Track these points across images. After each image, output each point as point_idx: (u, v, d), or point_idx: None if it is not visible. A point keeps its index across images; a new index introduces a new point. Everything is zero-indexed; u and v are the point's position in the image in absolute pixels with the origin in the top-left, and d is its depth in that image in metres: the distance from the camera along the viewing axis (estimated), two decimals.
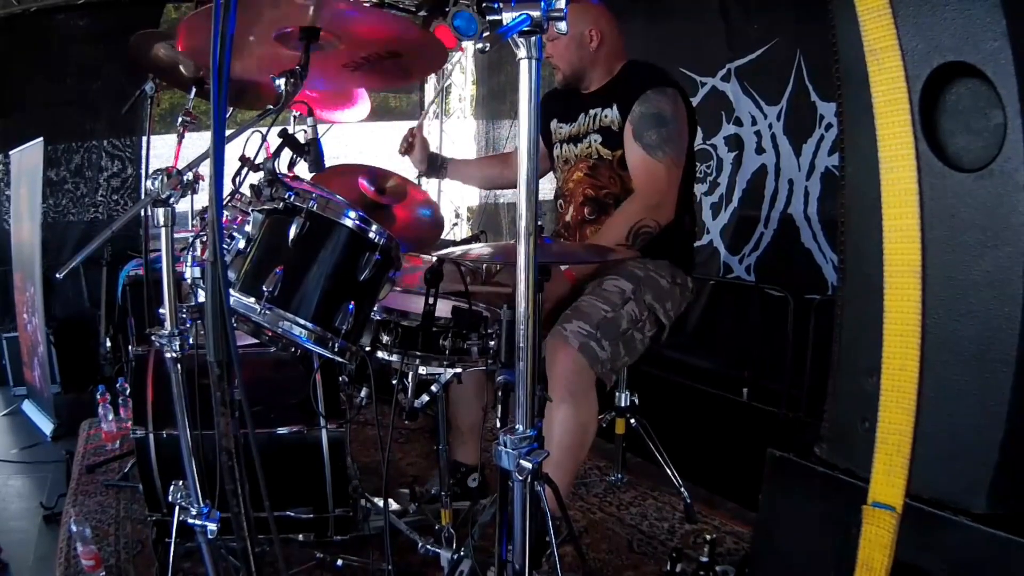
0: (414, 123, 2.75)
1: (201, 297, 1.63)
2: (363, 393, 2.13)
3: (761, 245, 3.40)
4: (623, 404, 2.75)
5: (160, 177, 1.44)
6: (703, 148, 3.60)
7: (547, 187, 2.52)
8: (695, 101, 3.60)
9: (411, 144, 2.71)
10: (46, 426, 3.66)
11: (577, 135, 2.49)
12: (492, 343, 1.81)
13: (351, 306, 1.66)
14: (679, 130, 2.32)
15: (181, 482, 1.61)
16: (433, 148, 2.79)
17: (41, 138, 3.79)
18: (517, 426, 1.24)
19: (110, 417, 3.20)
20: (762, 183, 3.39)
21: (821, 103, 3.09)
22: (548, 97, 2.58)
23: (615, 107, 2.36)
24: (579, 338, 2.07)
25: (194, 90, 2.69)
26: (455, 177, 2.95)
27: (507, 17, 1.07)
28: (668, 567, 2.07)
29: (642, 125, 2.29)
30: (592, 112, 2.43)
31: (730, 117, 3.53)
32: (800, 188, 3.20)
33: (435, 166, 2.78)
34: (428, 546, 2.09)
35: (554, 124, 2.59)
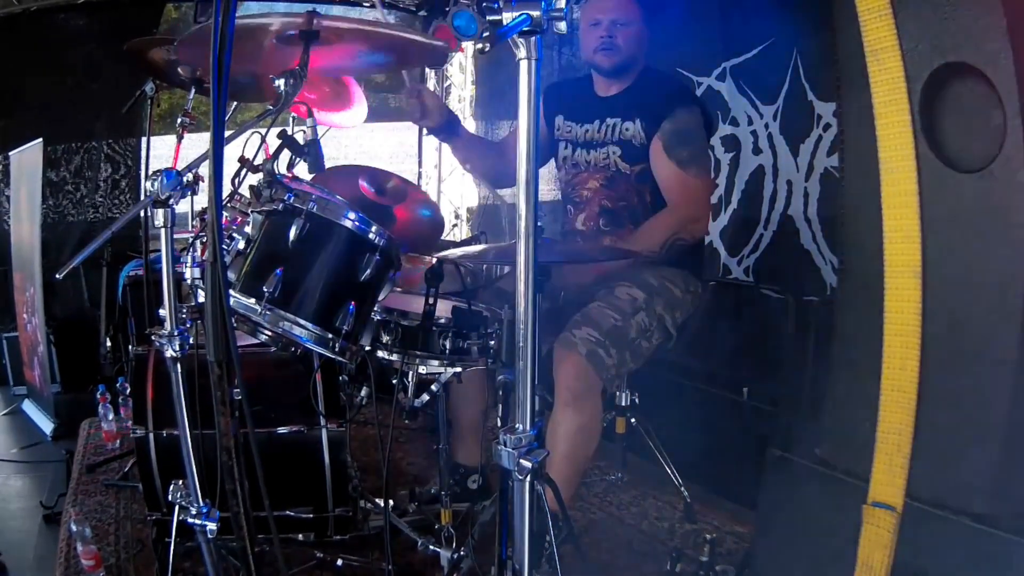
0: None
1: (201, 297, 1.63)
2: (363, 393, 2.13)
3: (760, 246, 3.40)
4: (623, 404, 2.75)
5: (160, 178, 1.44)
6: None
7: (543, 188, 2.50)
8: None
9: (420, 94, 2.35)
10: (46, 426, 3.65)
11: (592, 141, 2.47)
12: (492, 343, 1.81)
13: (352, 307, 1.66)
14: (704, 146, 2.40)
15: (181, 482, 1.61)
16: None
17: (41, 139, 3.78)
18: (517, 425, 1.23)
19: (110, 417, 3.20)
20: (760, 184, 3.38)
21: (819, 102, 3.08)
22: (552, 88, 2.57)
23: (638, 121, 2.36)
24: (587, 345, 2.07)
25: (193, 91, 2.69)
26: (458, 152, 2.63)
27: (507, 17, 1.07)
28: (668, 567, 2.07)
29: (673, 142, 2.31)
30: (611, 121, 2.42)
31: (726, 117, 3.51)
32: (800, 189, 3.19)
33: (448, 126, 2.44)
34: (428, 546, 2.09)
35: (560, 120, 2.56)
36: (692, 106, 2.39)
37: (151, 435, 2.08)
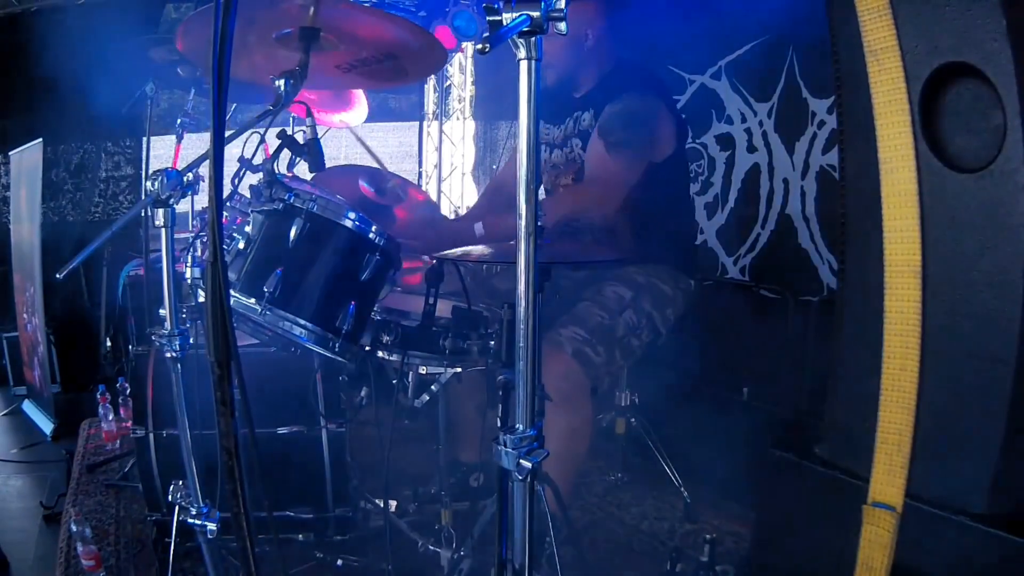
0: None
1: (201, 297, 1.63)
2: (363, 393, 2.13)
3: (758, 246, 3.39)
4: (623, 404, 2.75)
5: (160, 178, 1.44)
6: (692, 147, 3.57)
7: None
8: (683, 99, 3.58)
9: None
10: (46, 426, 3.65)
11: (562, 138, 2.47)
12: (492, 343, 1.81)
13: (352, 307, 1.66)
14: (649, 136, 2.27)
15: (181, 482, 1.61)
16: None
17: (41, 139, 3.78)
18: (517, 425, 1.23)
19: (110, 417, 3.20)
20: (756, 182, 3.38)
21: (813, 99, 3.08)
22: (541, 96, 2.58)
23: (591, 110, 2.35)
24: (574, 344, 2.07)
25: (193, 91, 2.69)
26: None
27: (507, 17, 1.07)
28: (668, 567, 2.07)
29: (606, 124, 2.26)
30: (576, 115, 2.42)
31: (721, 115, 3.51)
32: (796, 187, 3.19)
33: None
34: (428, 546, 2.09)
35: (541, 125, 2.56)
36: (644, 93, 2.30)
37: (151, 435, 2.08)
